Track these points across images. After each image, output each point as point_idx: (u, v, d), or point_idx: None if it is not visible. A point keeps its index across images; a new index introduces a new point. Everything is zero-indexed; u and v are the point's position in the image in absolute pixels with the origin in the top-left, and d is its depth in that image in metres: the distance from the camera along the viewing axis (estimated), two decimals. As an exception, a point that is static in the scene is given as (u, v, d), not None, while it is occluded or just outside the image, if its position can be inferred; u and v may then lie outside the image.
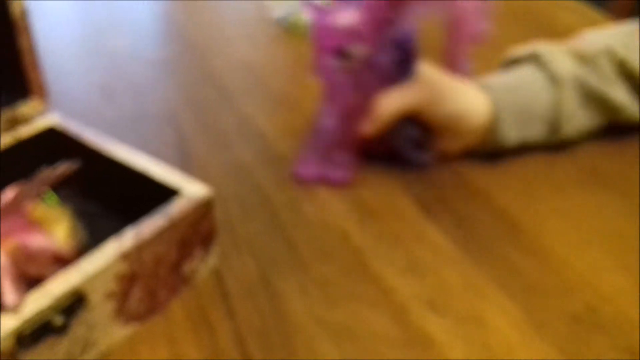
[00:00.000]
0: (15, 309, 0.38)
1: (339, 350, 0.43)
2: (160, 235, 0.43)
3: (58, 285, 0.38)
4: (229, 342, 0.44)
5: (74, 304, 0.38)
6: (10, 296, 0.42)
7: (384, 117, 0.57)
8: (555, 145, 0.62)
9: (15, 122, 0.52)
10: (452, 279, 0.49)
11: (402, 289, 0.48)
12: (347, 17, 0.51)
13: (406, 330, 0.45)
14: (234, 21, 0.94)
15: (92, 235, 0.48)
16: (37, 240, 0.46)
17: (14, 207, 0.46)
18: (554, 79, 0.60)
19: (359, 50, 0.51)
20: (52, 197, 0.50)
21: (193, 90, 0.74)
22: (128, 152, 0.50)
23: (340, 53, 0.52)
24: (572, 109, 0.60)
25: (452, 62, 0.59)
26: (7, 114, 0.52)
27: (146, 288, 0.44)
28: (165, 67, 0.80)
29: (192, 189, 0.46)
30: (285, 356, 0.43)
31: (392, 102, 0.57)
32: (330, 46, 0.52)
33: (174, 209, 0.44)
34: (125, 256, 0.41)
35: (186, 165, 0.61)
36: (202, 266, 0.49)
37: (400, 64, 0.56)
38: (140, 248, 0.42)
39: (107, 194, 0.52)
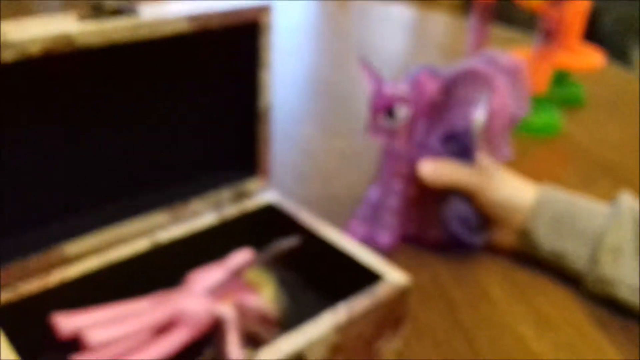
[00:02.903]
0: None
1: None
2: (366, 314, 0.48)
3: (286, 345, 0.44)
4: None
5: (295, 363, 0.44)
6: (235, 350, 0.49)
7: (442, 177, 0.62)
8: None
9: (240, 196, 0.61)
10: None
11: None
12: (399, 87, 0.62)
13: None
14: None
15: (291, 303, 0.55)
16: (251, 300, 0.53)
17: (240, 270, 0.54)
18: (615, 208, 0.60)
19: (402, 112, 0.62)
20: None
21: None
22: (336, 234, 0.57)
23: (388, 112, 0.62)
24: (618, 243, 0.58)
25: (492, 146, 0.63)
26: (235, 188, 0.61)
27: (346, 359, 0.49)
28: (356, 157, 0.88)
29: (394, 276, 0.51)
30: None
31: (450, 170, 0.63)
32: (381, 106, 0.62)
33: (380, 292, 0.50)
34: (338, 328, 0.47)
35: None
36: (389, 347, 0.53)
37: (460, 155, 0.64)
38: (350, 323, 0.47)
39: (305, 266, 0.59)
